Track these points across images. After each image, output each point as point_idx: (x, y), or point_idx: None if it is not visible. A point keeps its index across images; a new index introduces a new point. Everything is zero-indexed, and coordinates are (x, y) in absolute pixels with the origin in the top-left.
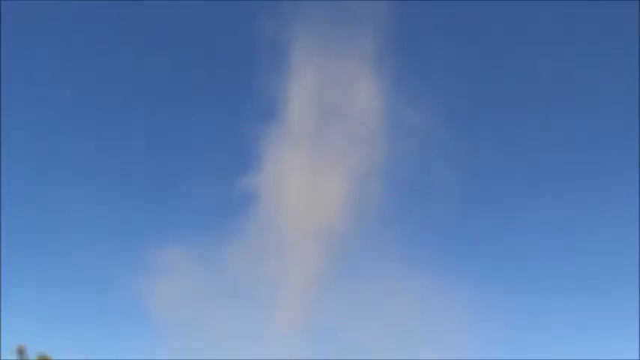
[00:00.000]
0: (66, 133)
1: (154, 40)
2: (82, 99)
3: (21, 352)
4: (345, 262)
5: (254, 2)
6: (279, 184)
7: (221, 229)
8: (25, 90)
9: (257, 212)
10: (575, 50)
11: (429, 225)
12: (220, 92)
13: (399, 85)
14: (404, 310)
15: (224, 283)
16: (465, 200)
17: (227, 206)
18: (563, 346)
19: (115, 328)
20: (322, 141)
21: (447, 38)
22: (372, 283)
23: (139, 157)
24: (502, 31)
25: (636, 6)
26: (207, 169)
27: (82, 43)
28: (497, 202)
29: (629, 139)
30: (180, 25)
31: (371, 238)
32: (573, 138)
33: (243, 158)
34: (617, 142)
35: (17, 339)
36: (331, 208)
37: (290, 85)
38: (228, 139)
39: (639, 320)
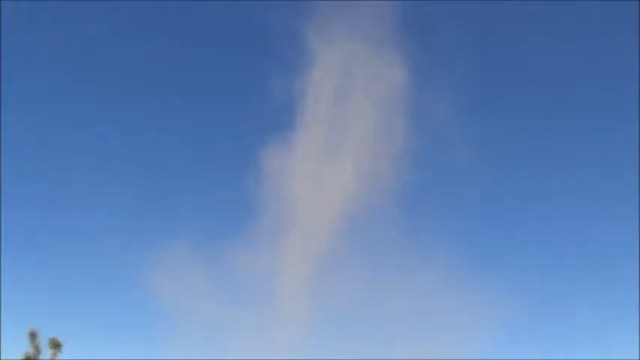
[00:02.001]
0: (78, 129)
1: (164, 34)
2: (87, 95)
3: (33, 336)
4: (357, 250)
5: None
6: (292, 172)
7: (232, 221)
8: (30, 82)
9: (270, 202)
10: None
11: (444, 213)
12: (230, 85)
13: (416, 69)
14: (415, 301)
15: (232, 275)
16: (483, 184)
17: (238, 200)
18: (564, 345)
19: (123, 319)
20: (336, 126)
21: (462, 23)
22: (386, 272)
23: (149, 153)
24: (514, 20)
25: (636, 6)
26: (216, 163)
27: (84, 38)
28: (515, 188)
29: (628, 137)
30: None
31: (385, 225)
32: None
33: (257, 147)
34: (617, 140)
35: (29, 326)
36: (344, 197)
37: (302, 76)
38: (239, 132)
39: (639, 320)
